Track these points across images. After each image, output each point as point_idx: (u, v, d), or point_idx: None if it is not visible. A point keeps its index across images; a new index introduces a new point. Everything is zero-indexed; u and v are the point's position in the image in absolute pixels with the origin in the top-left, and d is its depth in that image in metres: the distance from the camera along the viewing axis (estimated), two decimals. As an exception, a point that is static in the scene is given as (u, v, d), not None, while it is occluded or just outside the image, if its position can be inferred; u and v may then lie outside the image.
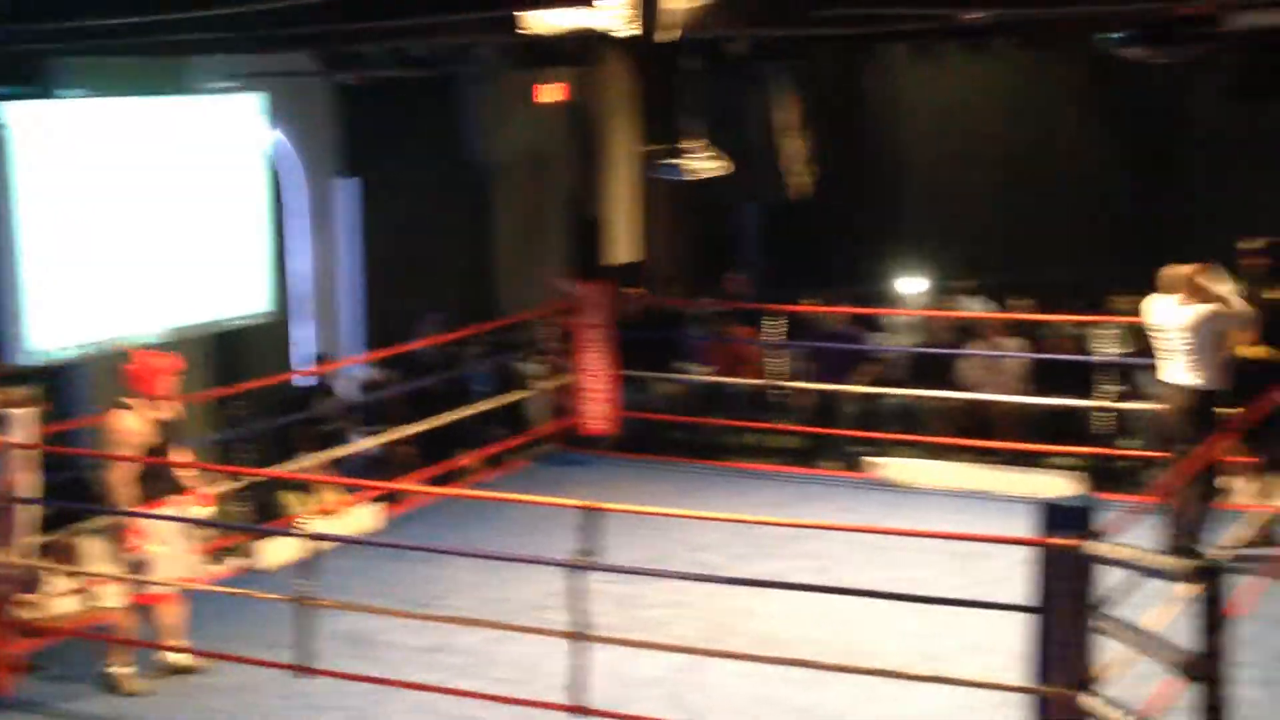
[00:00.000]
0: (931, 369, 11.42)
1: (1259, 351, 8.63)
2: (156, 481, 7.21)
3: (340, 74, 11.81)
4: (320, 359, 12.26)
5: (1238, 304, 8.06)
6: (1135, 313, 10.17)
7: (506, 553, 8.11)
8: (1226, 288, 8.12)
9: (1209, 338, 8.00)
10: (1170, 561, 5.09)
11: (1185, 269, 8.11)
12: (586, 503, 6.39)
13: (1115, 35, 8.00)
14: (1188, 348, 8.03)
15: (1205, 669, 4.92)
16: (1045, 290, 13.00)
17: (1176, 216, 14.41)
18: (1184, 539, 7.76)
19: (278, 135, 11.86)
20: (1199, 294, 8.00)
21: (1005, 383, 10.97)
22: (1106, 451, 10.21)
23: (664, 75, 11.44)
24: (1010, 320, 11.32)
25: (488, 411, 11.24)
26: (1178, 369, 8.08)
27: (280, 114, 11.38)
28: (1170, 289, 8.14)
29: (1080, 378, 10.65)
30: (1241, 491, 8.70)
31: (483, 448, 10.98)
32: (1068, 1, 9.13)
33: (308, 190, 12.39)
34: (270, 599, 7.15)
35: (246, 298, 11.04)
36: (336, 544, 8.45)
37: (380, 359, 11.75)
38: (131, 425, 7.16)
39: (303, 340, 12.72)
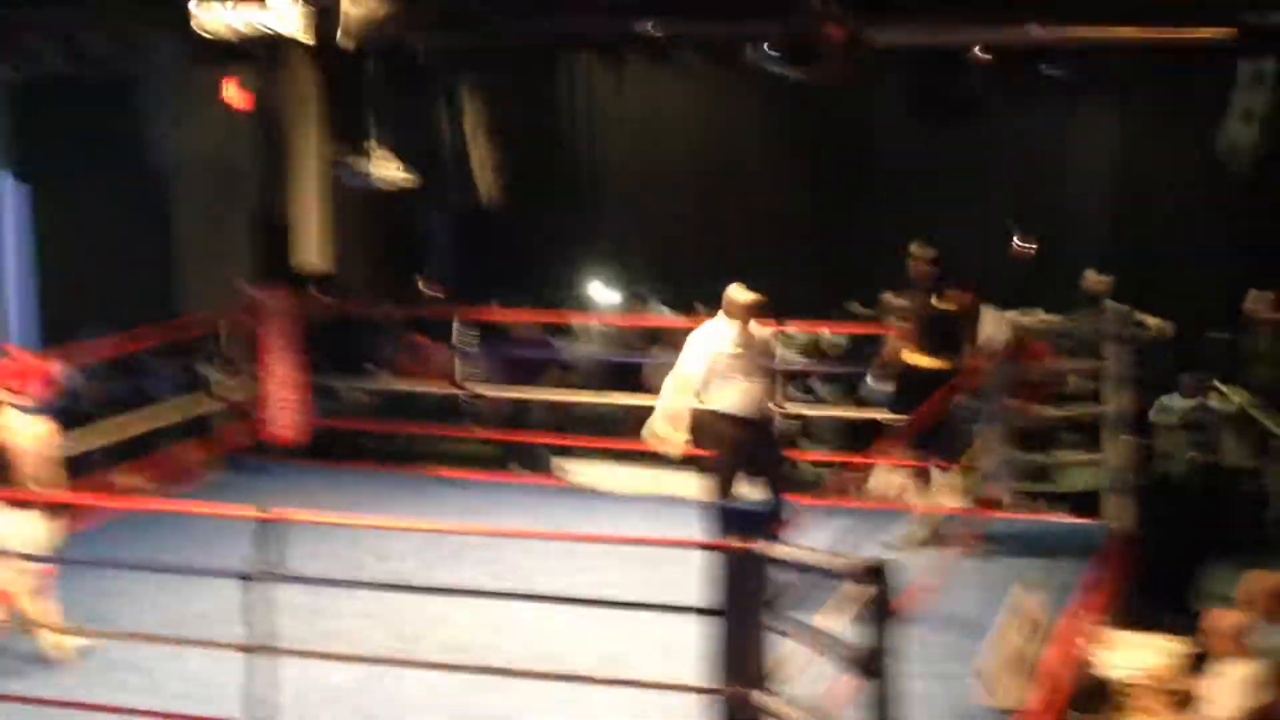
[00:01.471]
0: (621, 375, 11.58)
1: (927, 360, 8.97)
2: None
3: (3, 67, 11.26)
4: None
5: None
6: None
7: (183, 564, 7.89)
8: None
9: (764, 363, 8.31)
10: (839, 561, 5.25)
11: (746, 296, 8.31)
12: (268, 511, 6.25)
13: (767, 52, 8.24)
14: (746, 370, 8.23)
15: (874, 665, 5.10)
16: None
17: (860, 232, 14.91)
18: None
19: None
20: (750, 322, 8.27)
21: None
22: (788, 455, 10.48)
23: (348, 81, 11.35)
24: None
25: (170, 420, 10.92)
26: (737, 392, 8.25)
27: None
28: (730, 313, 8.31)
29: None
30: (911, 493, 9.07)
31: (165, 456, 10.64)
32: (725, 18, 9.39)
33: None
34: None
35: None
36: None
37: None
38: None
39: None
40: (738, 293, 8.28)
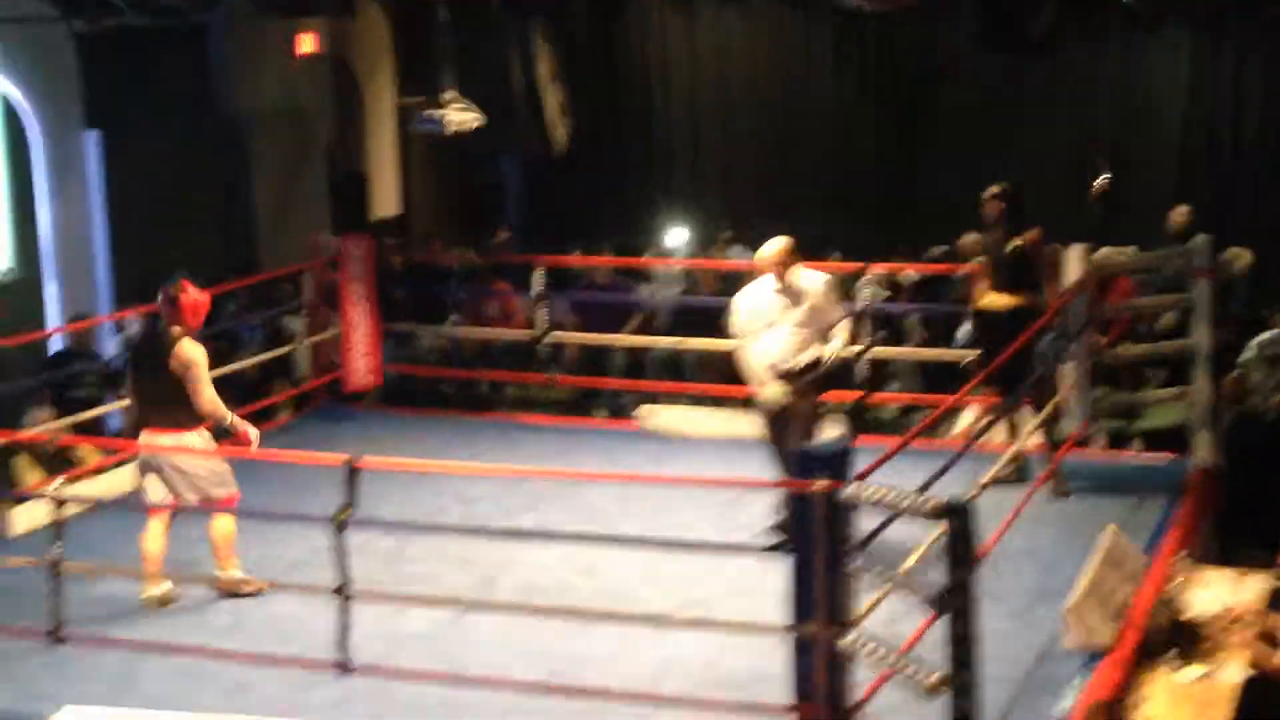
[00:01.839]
0: (697, 319, 11.52)
1: (1004, 299, 8.87)
2: None
3: (78, 21, 11.32)
4: (76, 319, 11.79)
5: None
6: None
7: (268, 510, 7.97)
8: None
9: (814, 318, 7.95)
10: (920, 502, 5.21)
11: (770, 250, 7.96)
12: (352, 459, 6.30)
13: None
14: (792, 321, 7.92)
15: (954, 604, 5.06)
16: (805, 243, 13.23)
17: (931, 171, 14.76)
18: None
19: (11, 87, 11.38)
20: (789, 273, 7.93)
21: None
22: (864, 396, 10.39)
23: (420, 28, 11.30)
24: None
25: (252, 367, 11.02)
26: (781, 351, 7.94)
27: (14, 64, 10.89)
28: (764, 269, 8.01)
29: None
30: (993, 432, 8.97)
31: (248, 404, 10.73)
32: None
33: (45, 144, 11.89)
34: (21, 565, 6.92)
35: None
36: (90, 507, 8.22)
37: (135, 317, 11.36)
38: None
39: (51, 301, 12.23)
40: (764, 248, 8.01)
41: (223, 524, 7.42)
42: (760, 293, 8.01)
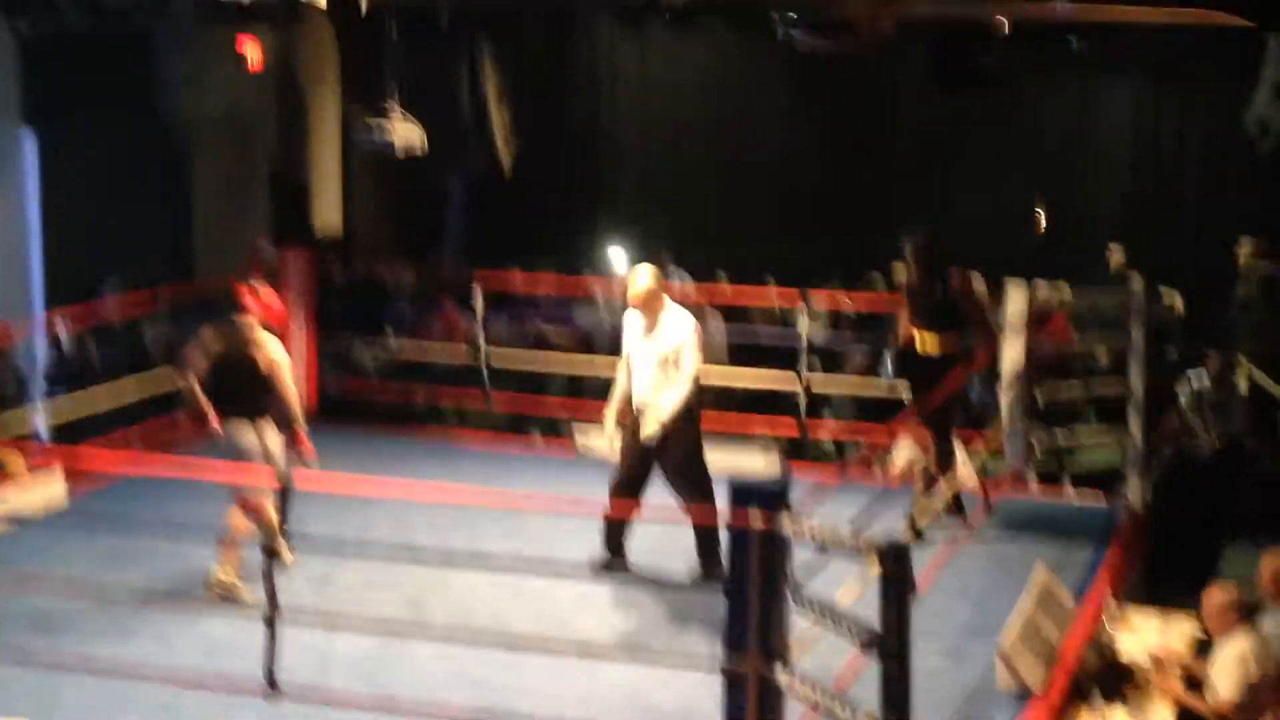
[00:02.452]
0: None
1: (932, 341, 8.74)
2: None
3: (22, 21, 11.17)
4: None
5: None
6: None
7: (197, 528, 7.88)
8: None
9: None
10: (858, 539, 5.22)
11: (635, 287, 7.81)
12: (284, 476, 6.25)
13: (792, 23, 8.00)
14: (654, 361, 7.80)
15: (888, 644, 5.07)
16: (746, 268, 13.27)
17: (876, 202, 14.83)
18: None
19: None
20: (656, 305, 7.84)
21: (709, 357, 11.12)
22: (803, 428, 10.39)
23: (366, 41, 11.23)
24: (711, 296, 11.52)
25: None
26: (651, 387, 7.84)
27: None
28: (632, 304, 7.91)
29: (779, 354, 10.86)
30: (932, 470, 8.99)
31: (178, 419, 10.62)
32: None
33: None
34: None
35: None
36: (15, 521, 8.11)
37: (65, 323, 11.21)
38: None
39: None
40: (631, 283, 7.86)
41: (240, 520, 7.55)
42: (630, 327, 7.96)
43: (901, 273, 9.97)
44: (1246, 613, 6.60)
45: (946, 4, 9.84)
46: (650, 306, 7.78)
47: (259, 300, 7.86)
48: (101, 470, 9.38)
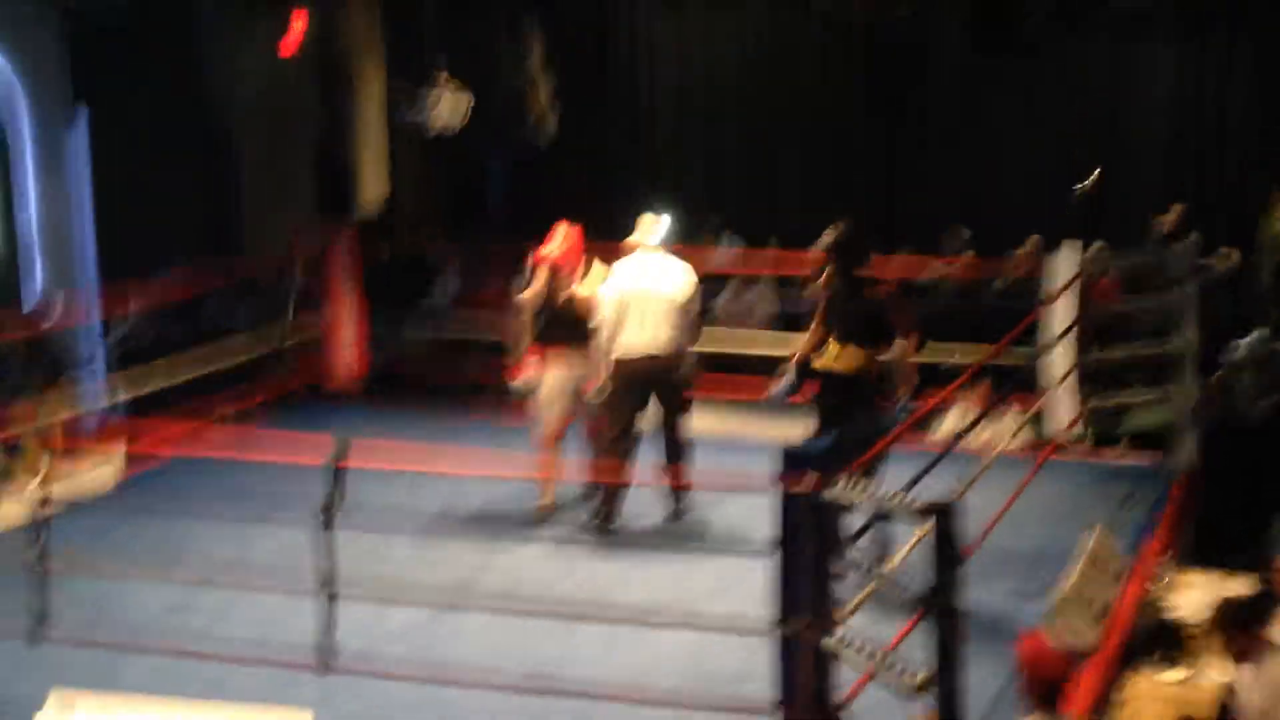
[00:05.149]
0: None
1: (848, 359, 7.69)
2: None
3: (68, 1, 11.25)
4: (48, 303, 11.66)
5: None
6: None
7: (248, 507, 7.95)
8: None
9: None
10: (904, 502, 5.20)
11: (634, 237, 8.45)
12: (334, 454, 6.28)
13: None
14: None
15: (939, 604, 5.05)
16: (788, 237, 13.24)
17: (912, 169, 14.75)
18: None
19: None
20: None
21: (753, 327, 11.13)
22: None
23: (410, 16, 11.22)
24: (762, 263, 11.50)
25: (236, 359, 10.96)
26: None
27: (2, 39, 10.82)
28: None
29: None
30: (982, 434, 8.92)
31: (230, 396, 10.70)
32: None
33: (33, 120, 11.79)
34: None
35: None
36: (71, 502, 8.19)
37: (122, 304, 11.30)
38: None
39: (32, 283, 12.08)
40: (644, 224, 8.49)
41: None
42: (639, 271, 8.22)
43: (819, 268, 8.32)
44: None
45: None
46: (657, 250, 8.29)
47: (566, 243, 8.35)
48: (160, 448, 9.48)
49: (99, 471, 9.07)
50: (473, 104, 11.40)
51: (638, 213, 13.87)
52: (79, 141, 11.82)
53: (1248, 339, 10.63)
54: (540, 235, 12.72)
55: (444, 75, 11.30)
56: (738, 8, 15.02)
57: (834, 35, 14.30)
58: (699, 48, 15.38)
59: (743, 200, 14.94)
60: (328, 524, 6.19)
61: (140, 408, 10.35)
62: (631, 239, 8.37)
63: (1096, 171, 12.80)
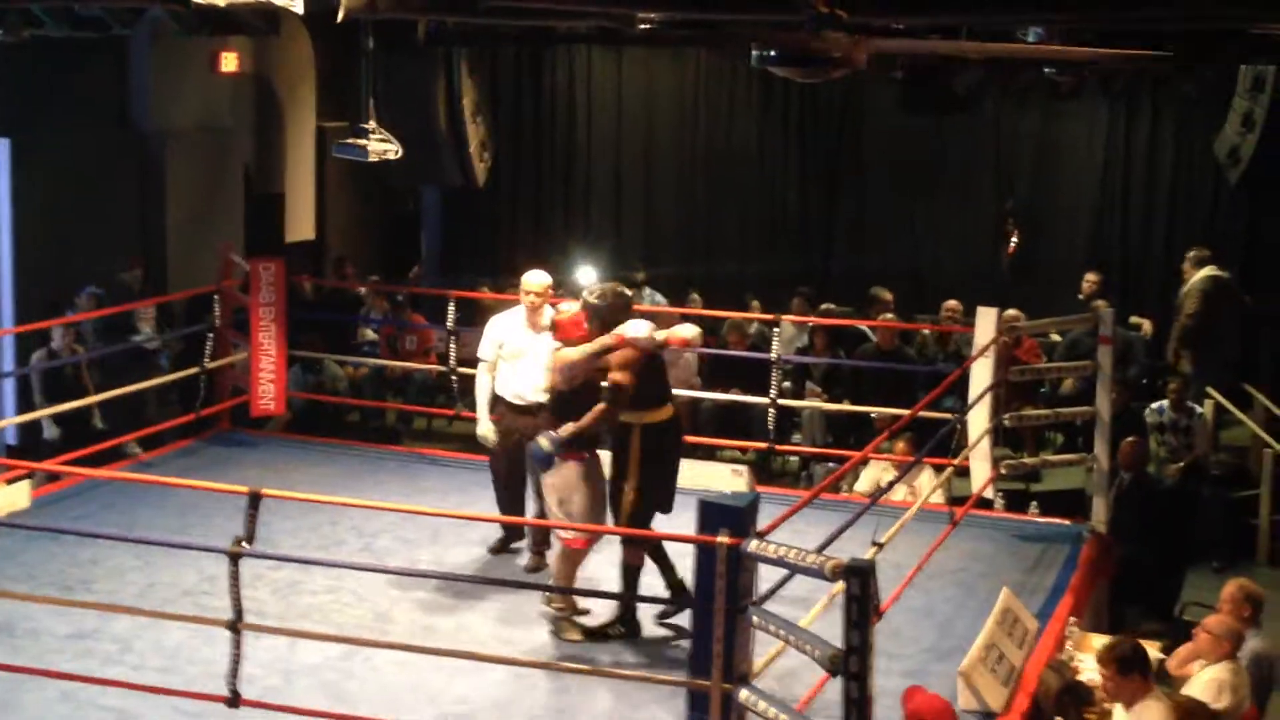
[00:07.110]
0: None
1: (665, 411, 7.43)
2: None
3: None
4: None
5: None
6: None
7: (162, 536, 7.85)
8: None
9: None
10: (823, 560, 5.23)
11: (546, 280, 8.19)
12: (248, 486, 6.21)
13: (765, 54, 7.83)
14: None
15: (851, 665, 5.08)
16: (717, 288, 13.34)
17: (848, 223, 14.91)
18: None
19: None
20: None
21: (679, 375, 11.15)
22: (772, 446, 10.40)
23: (344, 53, 11.20)
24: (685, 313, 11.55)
25: (152, 387, 10.86)
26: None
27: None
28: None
29: (749, 373, 10.90)
30: (899, 491, 8.98)
31: (150, 423, 10.60)
32: (726, 8, 9.36)
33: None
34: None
35: None
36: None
37: (36, 332, 11.16)
38: None
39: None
40: (530, 280, 8.20)
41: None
42: (513, 323, 8.17)
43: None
44: (1237, 644, 6.64)
45: (918, 40, 9.92)
46: (540, 308, 8.10)
47: (568, 319, 7.45)
48: (66, 478, 9.35)
49: (9, 492, 8.92)
50: (404, 143, 11.39)
51: (567, 258, 13.98)
52: (1, 172, 11.72)
53: (1158, 403, 10.82)
54: (473, 275, 12.79)
55: (373, 123, 11.30)
56: (674, 54, 15.15)
57: (771, 83, 14.45)
58: (634, 98, 15.50)
59: (675, 248, 15.05)
60: (240, 555, 6.13)
61: (60, 432, 10.25)
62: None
63: (1014, 236, 13.06)
